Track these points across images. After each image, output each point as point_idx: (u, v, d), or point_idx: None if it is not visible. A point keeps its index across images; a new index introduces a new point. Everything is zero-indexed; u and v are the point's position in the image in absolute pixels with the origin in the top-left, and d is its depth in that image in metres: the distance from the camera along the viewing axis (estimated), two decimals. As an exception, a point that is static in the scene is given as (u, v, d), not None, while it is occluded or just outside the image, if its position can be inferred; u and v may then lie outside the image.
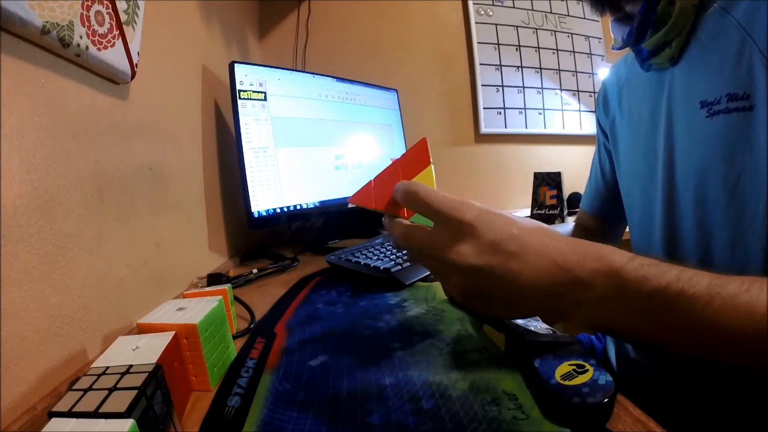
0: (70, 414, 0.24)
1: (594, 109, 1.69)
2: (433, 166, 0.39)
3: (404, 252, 0.71)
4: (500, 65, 1.60)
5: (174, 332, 0.35)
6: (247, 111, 0.84)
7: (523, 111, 1.62)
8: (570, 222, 1.28)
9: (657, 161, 0.52)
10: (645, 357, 0.57)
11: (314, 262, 0.82)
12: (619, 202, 0.65)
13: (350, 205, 0.40)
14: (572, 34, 1.68)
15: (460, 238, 0.30)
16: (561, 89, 1.66)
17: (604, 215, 0.73)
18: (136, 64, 0.52)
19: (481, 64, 1.57)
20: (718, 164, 0.42)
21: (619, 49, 0.53)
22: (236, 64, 0.83)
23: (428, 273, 0.66)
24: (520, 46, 1.62)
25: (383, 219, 0.38)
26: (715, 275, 0.28)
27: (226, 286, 0.49)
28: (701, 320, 0.26)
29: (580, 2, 1.70)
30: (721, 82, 0.41)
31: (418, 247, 0.34)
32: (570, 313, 0.31)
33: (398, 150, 1.26)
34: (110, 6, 0.46)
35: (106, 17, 0.45)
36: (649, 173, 0.54)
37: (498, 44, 1.60)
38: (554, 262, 0.30)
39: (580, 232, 0.75)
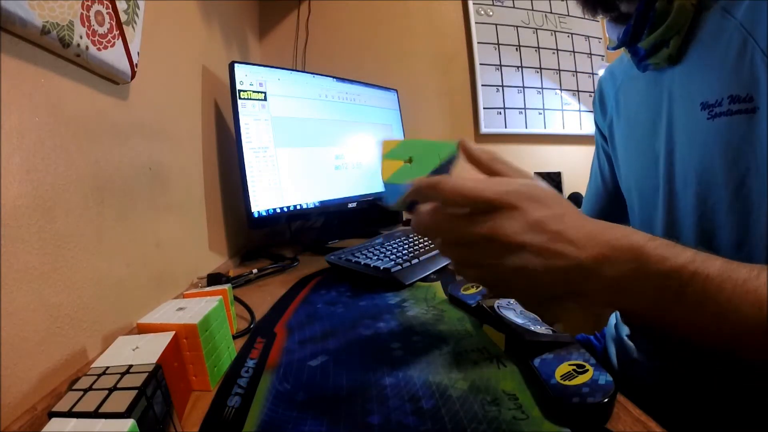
0: (70, 414, 0.24)
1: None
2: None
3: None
4: (500, 65, 1.59)
5: (174, 332, 0.35)
6: (247, 111, 0.84)
7: (523, 111, 1.62)
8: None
9: (657, 162, 0.51)
10: (646, 357, 0.57)
11: (314, 262, 0.82)
12: (620, 205, 0.64)
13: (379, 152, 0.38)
14: (572, 34, 1.68)
15: (506, 218, 0.29)
16: (561, 89, 1.66)
17: (606, 219, 0.72)
18: (136, 64, 0.52)
19: (481, 64, 1.57)
20: (720, 166, 0.42)
21: (615, 48, 0.52)
22: (236, 64, 0.83)
23: (428, 273, 0.66)
24: (520, 46, 1.62)
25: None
26: (727, 260, 0.28)
27: (226, 286, 0.49)
28: (713, 301, 0.27)
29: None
30: (723, 84, 0.40)
31: (454, 232, 0.31)
32: (591, 291, 0.30)
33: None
34: (110, 6, 0.46)
35: (106, 17, 0.45)
36: (648, 174, 0.53)
37: (498, 44, 1.59)
38: (590, 236, 0.29)
39: None
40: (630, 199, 0.61)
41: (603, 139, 0.67)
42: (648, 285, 0.28)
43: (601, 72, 1.67)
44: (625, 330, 0.62)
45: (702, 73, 0.43)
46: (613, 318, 0.69)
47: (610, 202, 0.69)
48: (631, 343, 0.60)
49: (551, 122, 1.65)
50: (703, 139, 0.43)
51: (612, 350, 0.65)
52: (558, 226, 0.29)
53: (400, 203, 0.35)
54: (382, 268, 0.64)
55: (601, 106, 0.66)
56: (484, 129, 1.58)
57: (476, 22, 1.57)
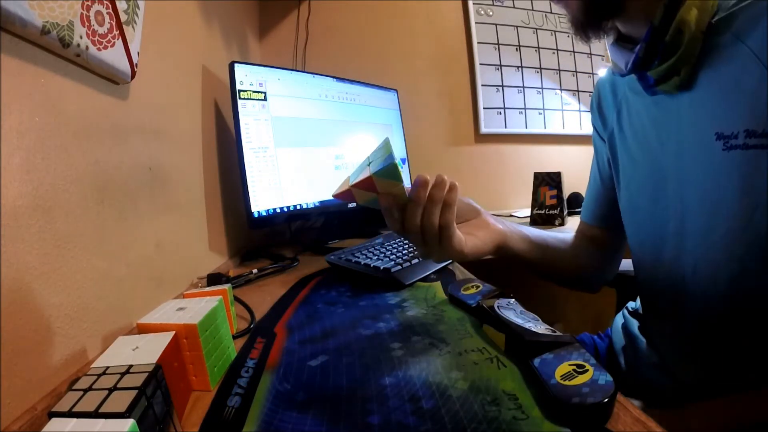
0: (70, 414, 0.24)
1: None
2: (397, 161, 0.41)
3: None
4: (500, 65, 1.60)
5: (174, 332, 0.35)
6: (247, 111, 0.84)
7: (523, 111, 1.62)
8: (570, 221, 1.28)
9: (666, 181, 0.51)
10: (654, 356, 0.57)
11: (314, 262, 0.82)
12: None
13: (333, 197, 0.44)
14: (572, 34, 1.68)
15: None
16: (561, 89, 1.66)
17: (609, 225, 0.69)
18: (136, 64, 0.52)
19: (481, 64, 1.57)
20: (732, 198, 0.42)
21: (623, 76, 0.51)
22: (236, 64, 0.83)
23: (428, 273, 0.66)
24: (520, 46, 1.62)
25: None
26: None
27: (226, 286, 0.49)
28: None
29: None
30: (739, 116, 0.40)
31: None
32: None
33: (398, 150, 1.26)
34: (110, 6, 0.46)
35: (106, 17, 0.45)
36: (657, 193, 0.53)
37: (498, 44, 1.60)
38: None
39: (582, 242, 0.71)
40: (634, 215, 0.59)
41: (602, 142, 0.66)
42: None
43: (601, 72, 1.67)
44: (634, 326, 0.62)
45: (716, 101, 0.43)
46: (620, 318, 0.69)
47: (610, 205, 0.67)
48: (642, 338, 0.60)
49: (551, 122, 1.65)
50: (717, 169, 0.43)
51: (619, 349, 0.65)
52: None
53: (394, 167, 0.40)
54: (382, 268, 0.64)
55: (600, 113, 0.64)
56: (484, 129, 1.58)
57: (476, 22, 1.57)
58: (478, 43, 1.57)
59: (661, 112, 0.50)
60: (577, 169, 1.59)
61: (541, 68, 1.64)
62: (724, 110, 0.42)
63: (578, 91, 1.68)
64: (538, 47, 1.64)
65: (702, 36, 0.42)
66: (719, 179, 0.43)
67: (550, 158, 1.65)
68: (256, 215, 0.82)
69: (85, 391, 0.26)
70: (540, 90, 1.64)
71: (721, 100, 0.42)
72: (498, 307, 0.44)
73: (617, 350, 0.66)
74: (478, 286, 0.54)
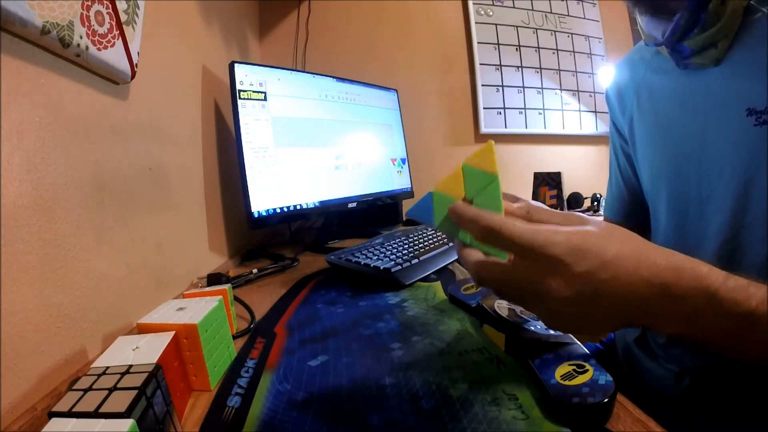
0: (70, 414, 0.24)
1: (593, 110, 1.69)
2: (499, 180, 0.33)
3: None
4: (500, 65, 1.59)
5: (174, 332, 0.35)
6: (247, 111, 0.84)
7: (523, 111, 1.62)
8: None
9: (690, 163, 0.50)
10: (652, 357, 0.57)
11: (314, 262, 0.82)
12: (645, 208, 0.61)
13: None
14: (572, 34, 1.68)
15: (550, 273, 0.29)
16: (561, 89, 1.66)
17: (632, 220, 0.67)
18: (136, 64, 0.52)
19: (481, 64, 1.57)
20: (763, 174, 0.41)
21: (657, 45, 0.51)
22: (236, 64, 0.83)
23: (428, 273, 0.66)
24: (520, 46, 1.62)
25: (457, 247, 0.35)
26: None
27: (226, 286, 0.49)
28: None
29: (580, 2, 1.70)
30: None
31: (501, 283, 0.32)
32: (657, 323, 0.31)
33: (398, 150, 1.26)
34: (110, 6, 0.46)
35: (106, 17, 0.45)
36: (684, 177, 0.52)
37: (498, 44, 1.59)
38: (648, 282, 0.29)
39: None
40: (655, 201, 0.58)
41: (621, 137, 0.64)
42: (717, 325, 0.30)
43: (601, 71, 1.67)
44: (632, 336, 0.62)
45: (749, 78, 0.43)
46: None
47: (633, 201, 0.65)
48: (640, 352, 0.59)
49: (551, 122, 1.65)
50: (748, 145, 0.43)
51: (618, 348, 0.65)
52: (607, 275, 0.29)
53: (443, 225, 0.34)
54: (382, 268, 0.64)
55: (620, 104, 0.62)
56: (484, 129, 1.58)
57: (476, 22, 1.57)
58: (478, 43, 1.57)
59: (688, 90, 0.50)
60: (577, 169, 1.59)
61: (541, 68, 1.64)
62: (756, 86, 0.42)
63: (578, 91, 1.68)
64: (538, 47, 1.64)
65: (743, 11, 0.42)
66: (749, 156, 0.42)
67: (550, 158, 1.64)
68: (256, 215, 0.82)
69: (85, 391, 0.26)
70: (540, 90, 1.64)
71: (755, 76, 0.42)
72: (498, 307, 0.44)
73: (619, 353, 0.66)
74: (478, 286, 0.54)
